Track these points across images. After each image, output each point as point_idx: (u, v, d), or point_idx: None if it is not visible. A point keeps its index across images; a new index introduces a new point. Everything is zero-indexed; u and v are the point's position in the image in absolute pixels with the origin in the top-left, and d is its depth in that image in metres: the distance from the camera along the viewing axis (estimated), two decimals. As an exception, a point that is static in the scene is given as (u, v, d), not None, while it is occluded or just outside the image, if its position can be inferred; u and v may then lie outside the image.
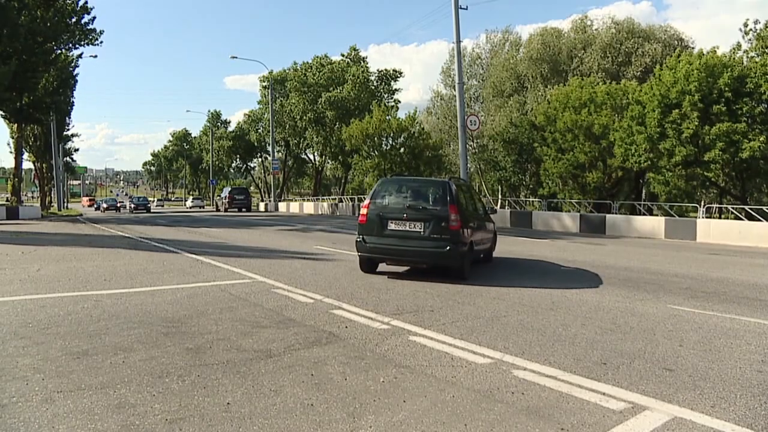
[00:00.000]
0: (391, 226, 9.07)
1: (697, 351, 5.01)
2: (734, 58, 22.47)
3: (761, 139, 20.43)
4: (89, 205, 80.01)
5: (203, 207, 66.71)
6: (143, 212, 46.94)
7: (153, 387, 3.88)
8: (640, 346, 5.12)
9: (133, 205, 52.33)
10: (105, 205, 59.27)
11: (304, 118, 51.04)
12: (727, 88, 21.18)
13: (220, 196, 49.81)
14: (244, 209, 42.79)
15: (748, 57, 22.82)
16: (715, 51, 22.98)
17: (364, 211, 9.43)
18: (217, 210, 46.90)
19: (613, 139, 25.55)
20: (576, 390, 3.94)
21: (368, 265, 9.65)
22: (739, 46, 23.20)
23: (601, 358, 4.74)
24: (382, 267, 9.69)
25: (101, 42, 33.98)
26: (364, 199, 11.03)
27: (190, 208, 65.96)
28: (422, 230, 8.90)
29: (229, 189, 47.63)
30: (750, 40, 23.29)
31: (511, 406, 3.66)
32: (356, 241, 9.40)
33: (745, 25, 23.44)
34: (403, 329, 5.59)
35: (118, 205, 60.47)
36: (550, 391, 3.93)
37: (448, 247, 8.73)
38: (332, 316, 6.17)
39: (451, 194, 9.20)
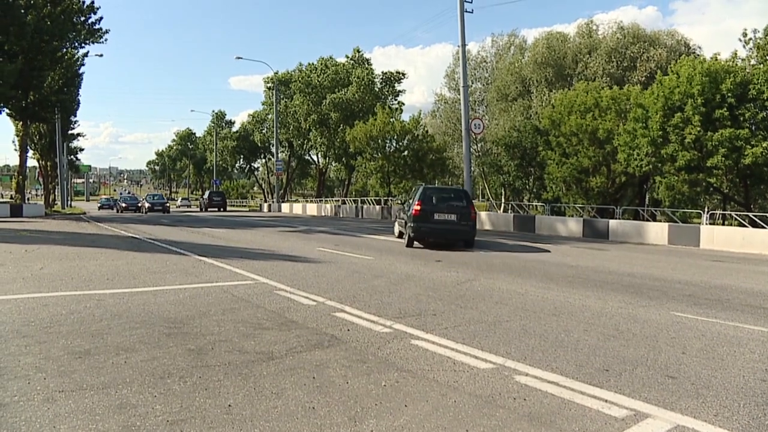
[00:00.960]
0: (436, 216, 14.75)
1: (700, 359, 4.99)
2: (735, 65, 22.44)
3: (764, 145, 20.37)
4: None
5: (190, 206, 69.32)
6: (160, 213, 38.94)
7: (155, 388, 3.88)
8: (643, 353, 5.10)
9: (148, 205, 41.99)
10: (123, 205, 46.34)
11: (309, 119, 51.14)
12: (729, 94, 21.14)
13: (203, 197, 57.46)
14: (221, 209, 49.91)
15: (749, 65, 22.76)
16: (716, 58, 22.95)
17: (417, 207, 14.71)
18: (200, 209, 52.60)
19: (617, 143, 25.51)
20: (578, 396, 3.93)
21: (412, 243, 15.03)
22: (736, 54, 23.17)
23: (603, 364, 4.72)
24: (386, 268, 9.71)
25: (106, 40, 34.09)
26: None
27: (179, 207, 68.43)
28: (456, 219, 14.82)
29: (209, 192, 56.23)
30: (750, 49, 23.26)
31: (512, 411, 3.65)
32: (410, 226, 14.83)
33: (744, 34, 23.43)
34: (406, 333, 5.59)
35: (140, 204, 45.16)
36: (552, 398, 3.91)
37: (469, 229, 15.01)
38: (334, 318, 6.16)
39: (470, 198, 16.37)
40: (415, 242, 15.18)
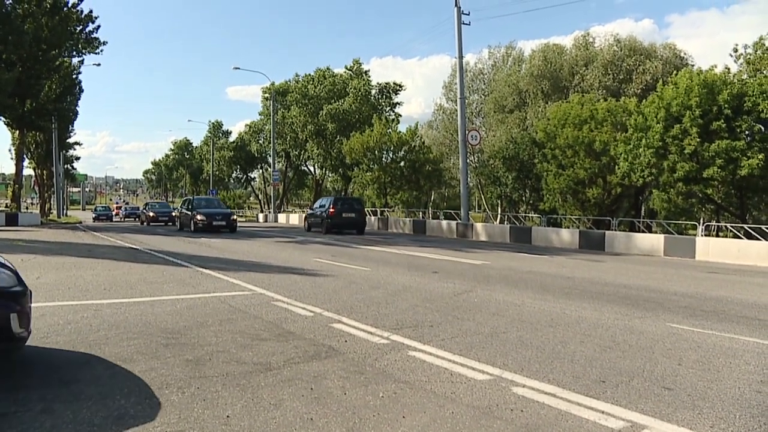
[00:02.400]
0: (344, 214, 25.81)
1: (696, 370, 5.01)
2: (728, 79, 22.63)
3: (760, 157, 20.51)
4: (115, 214, 60.33)
5: None
6: (223, 229, 25.62)
7: (152, 399, 3.89)
8: (639, 364, 5.12)
9: (200, 217, 25.43)
10: (152, 214, 36.92)
11: (305, 130, 51.19)
12: (726, 105, 21.30)
13: (176, 208, 65.24)
14: None
15: (740, 80, 22.94)
16: (712, 70, 23.15)
17: (332, 210, 25.47)
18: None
19: (616, 153, 25.53)
20: (575, 408, 3.94)
21: (328, 231, 25.23)
22: (728, 69, 23.38)
23: (599, 375, 4.74)
24: (383, 279, 9.74)
25: (102, 50, 34.32)
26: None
27: None
28: (355, 216, 26.18)
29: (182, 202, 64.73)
30: (741, 63, 23.49)
31: (510, 423, 3.66)
32: (327, 220, 25.38)
33: (735, 50, 23.66)
34: (403, 344, 5.60)
35: (174, 214, 34.91)
36: (548, 409, 3.93)
37: (362, 222, 26.67)
38: (332, 329, 6.17)
39: (362, 203, 32.13)
40: (328, 231, 25.41)
